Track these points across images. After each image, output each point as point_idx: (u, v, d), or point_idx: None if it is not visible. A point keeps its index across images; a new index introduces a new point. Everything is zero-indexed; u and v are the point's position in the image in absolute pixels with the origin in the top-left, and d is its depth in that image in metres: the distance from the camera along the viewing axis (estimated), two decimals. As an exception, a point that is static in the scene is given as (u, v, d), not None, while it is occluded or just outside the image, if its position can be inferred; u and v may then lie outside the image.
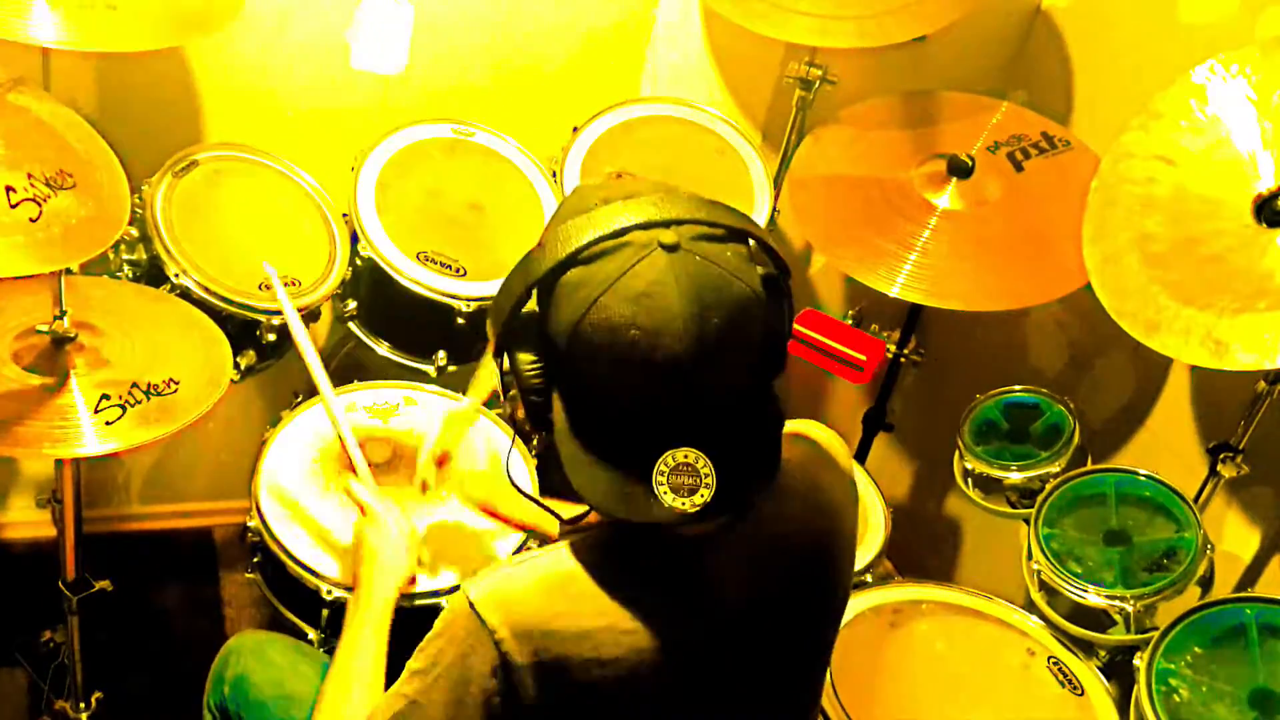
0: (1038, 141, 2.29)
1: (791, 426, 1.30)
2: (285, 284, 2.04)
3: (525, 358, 1.14)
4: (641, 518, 1.10)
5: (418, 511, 1.92)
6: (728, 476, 1.09)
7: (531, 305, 1.14)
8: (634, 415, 1.10)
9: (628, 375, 1.08)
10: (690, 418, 1.10)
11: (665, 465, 1.09)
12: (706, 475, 1.09)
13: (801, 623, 1.28)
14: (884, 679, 1.88)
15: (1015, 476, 2.10)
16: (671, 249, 1.08)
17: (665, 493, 1.09)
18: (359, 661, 1.39)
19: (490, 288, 2.14)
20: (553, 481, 1.25)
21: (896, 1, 2.20)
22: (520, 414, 1.17)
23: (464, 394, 1.93)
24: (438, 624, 1.15)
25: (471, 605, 1.12)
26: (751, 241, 1.15)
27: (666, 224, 1.09)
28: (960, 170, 2.22)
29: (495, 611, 1.11)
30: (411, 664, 1.16)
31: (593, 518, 1.22)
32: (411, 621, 1.52)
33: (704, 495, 1.09)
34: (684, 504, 1.09)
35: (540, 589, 1.14)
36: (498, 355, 1.16)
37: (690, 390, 1.09)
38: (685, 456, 1.09)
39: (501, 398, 1.20)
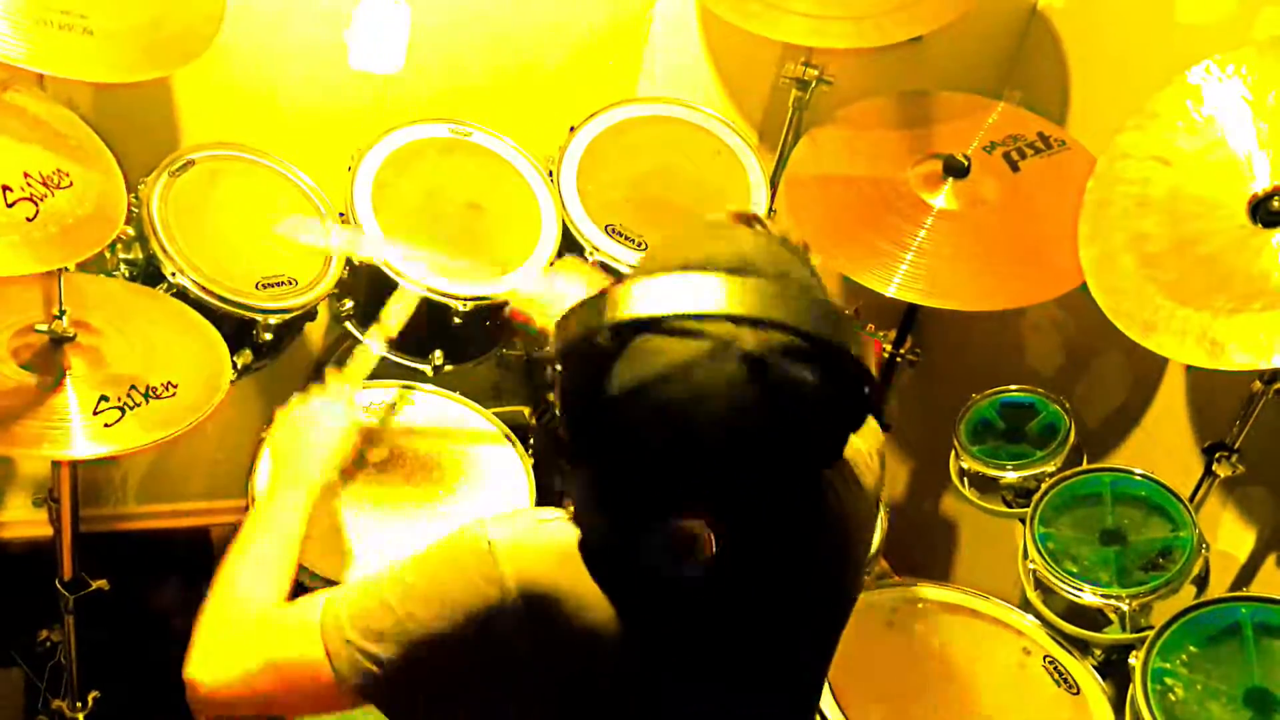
0: (1034, 141, 2.29)
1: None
2: (282, 283, 2.05)
3: (577, 388, 1.11)
4: (633, 566, 1.11)
5: (421, 513, 1.93)
6: (732, 545, 1.09)
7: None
8: (653, 484, 1.09)
9: (663, 456, 1.05)
10: (714, 497, 1.08)
11: (669, 527, 1.08)
12: (707, 544, 1.08)
13: (804, 631, 1.27)
14: (880, 678, 1.88)
15: (1011, 476, 2.10)
16: (752, 363, 1.01)
17: (661, 553, 1.09)
18: (270, 539, 1.34)
19: (487, 287, 2.14)
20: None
21: (892, 2, 2.21)
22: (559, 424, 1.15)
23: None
24: (445, 546, 1.14)
25: (490, 544, 1.11)
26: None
27: (756, 323, 1.02)
28: (956, 170, 2.22)
29: (510, 559, 1.10)
30: (401, 573, 1.14)
31: None
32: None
33: (696, 561, 1.08)
34: (675, 569, 1.09)
35: (557, 552, 1.13)
36: (554, 363, 1.14)
37: (723, 481, 1.07)
38: (692, 526, 1.07)
39: (543, 395, 1.19)
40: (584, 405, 1.10)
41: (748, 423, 1.02)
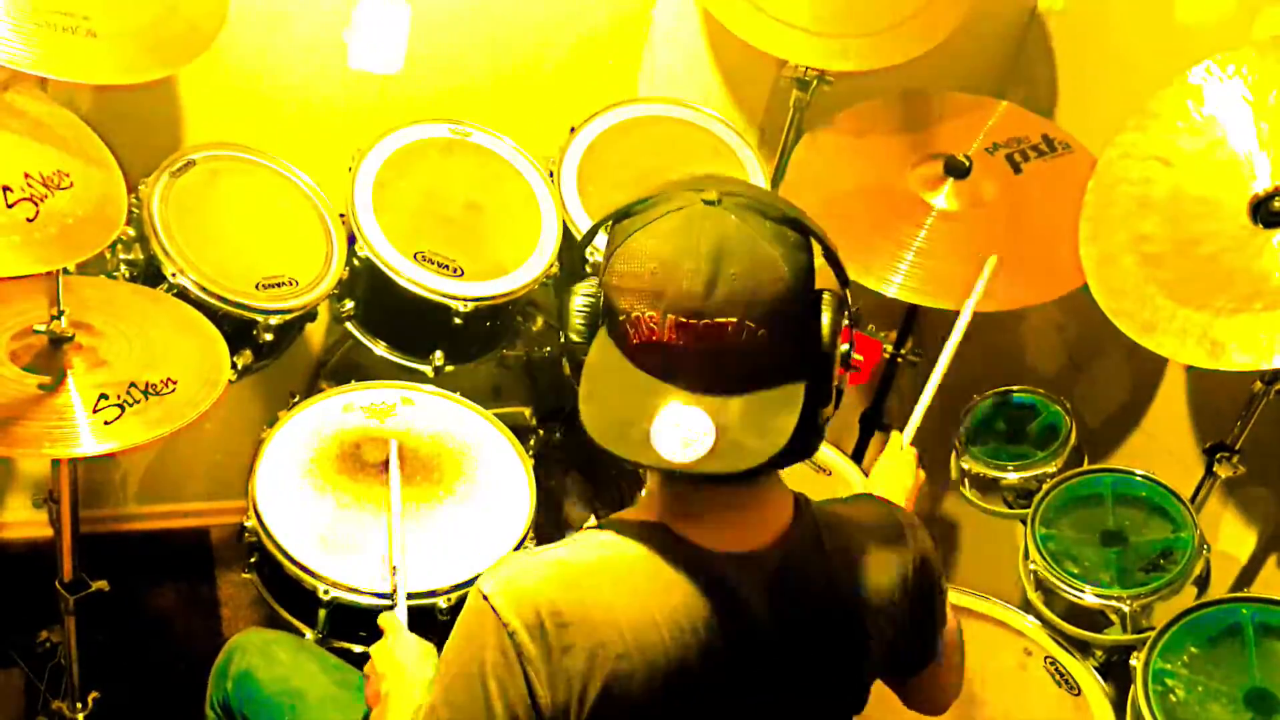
0: (1037, 144, 2.28)
1: (898, 510, 1.36)
2: (282, 283, 2.05)
3: (574, 302, 1.19)
4: (632, 456, 1.11)
5: (422, 513, 1.93)
6: (724, 444, 1.10)
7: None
8: (647, 352, 1.13)
9: (645, 307, 1.11)
10: (698, 365, 1.11)
11: (669, 414, 1.11)
12: (706, 434, 1.10)
13: (818, 671, 1.28)
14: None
15: (1012, 477, 2.10)
16: (710, 204, 1.12)
17: (660, 438, 1.10)
18: None
19: (487, 288, 2.14)
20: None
21: (891, 19, 2.21)
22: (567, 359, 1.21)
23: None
24: (456, 625, 1.16)
25: (485, 598, 1.13)
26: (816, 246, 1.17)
27: (720, 192, 1.14)
28: (957, 171, 2.22)
29: (508, 601, 1.12)
30: (436, 672, 1.17)
31: (627, 513, 1.24)
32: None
33: (696, 452, 1.10)
34: (675, 455, 1.10)
35: (557, 580, 1.14)
36: (558, 296, 1.23)
37: (700, 334, 1.10)
38: (690, 411, 1.11)
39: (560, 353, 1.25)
40: (583, 316, 1.19)
41: (709, 250, 1.10)
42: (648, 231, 1.13)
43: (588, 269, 1.25)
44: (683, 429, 1.10)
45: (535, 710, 1.11)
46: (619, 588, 1.15)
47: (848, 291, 1.20)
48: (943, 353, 2.01)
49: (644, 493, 1.26)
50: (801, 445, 1.16)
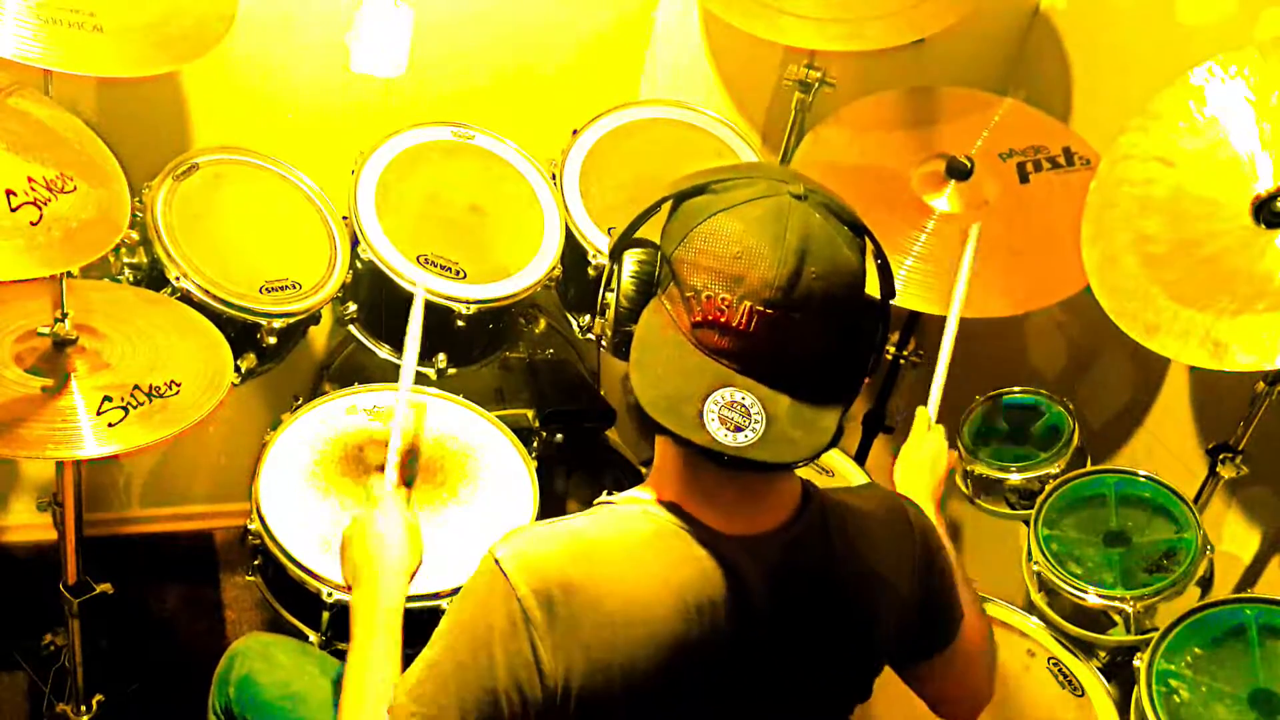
0: (1055, 156, 2.26)
1: (904, 500, 1.37)
2: (286, 286, 2.05)
3: (632, 268, 1.19)
4: (682, 432, 1.11)
5: (424, 516, 1.93)
6: (774, 434, 1.11)
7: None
8: (710, 332, 1.13)
9: (720, 289, 1.12)
10: (761, 354, 1.12)
11: (723, 397, 1.11)
12: (757, 422, 1.11)
13: (822, 657, 1.28)
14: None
15: (1015, 478, 2.10)
16: (799, 198, 1.14)
17: (712, 420, 1.10)
18: (374, 674, 1.33)
19: (490, 290, 2.14)
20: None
21: (892, 6, 2.20)
22: (610, 316, 1.21)
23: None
24: (465, 584, 1.17)
25: (496, 562, 1.14)
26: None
27: (804, 185, 1.15)
28: (959, 172, 2.21)
29: (519, 569, 1.13)
30: (438, 628, 1.18)
31: (640, 489, 1.24)
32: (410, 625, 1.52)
33: (747, 438, 1.10)
34: (726, 438, 1.10)
35: (568, 551, 1.15)
36: (612, 259, 1.21)
37: (773, 324, 1.11)
38: (743, 398, 1.11)
39: (598, 311, 1.24)
40: (640, 283, 1.18)
41: (795, 246, 1.11)
42: (734, 214, 1.13)
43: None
44: (736, 414, 1.11)
45: (539, 677, 1.12)
46: (629, 563, 1.16)
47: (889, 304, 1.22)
48: (948, 323, 1.97)
49: (654, 469, 1.26)
50: (830, 442, 1.17)
